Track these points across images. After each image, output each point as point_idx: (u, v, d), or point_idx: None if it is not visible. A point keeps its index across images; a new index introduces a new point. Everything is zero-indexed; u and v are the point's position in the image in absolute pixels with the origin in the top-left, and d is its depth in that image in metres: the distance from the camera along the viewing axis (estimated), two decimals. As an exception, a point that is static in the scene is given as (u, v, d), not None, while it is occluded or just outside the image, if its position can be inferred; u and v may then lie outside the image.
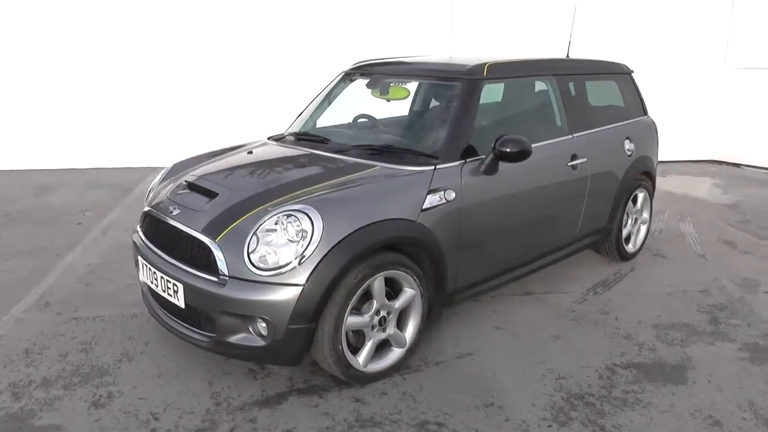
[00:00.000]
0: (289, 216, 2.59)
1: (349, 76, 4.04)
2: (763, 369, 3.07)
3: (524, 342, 3.29)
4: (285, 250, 2.54)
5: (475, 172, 3.11)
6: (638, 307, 3.74)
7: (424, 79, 3.66)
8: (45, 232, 4.99)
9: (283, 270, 2.52)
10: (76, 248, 4.64)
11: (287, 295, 2.51)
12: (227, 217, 2.70)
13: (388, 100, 3.75)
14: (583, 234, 4.02)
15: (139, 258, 3.05)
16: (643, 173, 4.38)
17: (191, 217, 2.80)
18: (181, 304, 2.73)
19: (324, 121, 4.00)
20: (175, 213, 2.88)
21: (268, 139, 3.86)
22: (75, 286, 3.97)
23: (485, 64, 3.39)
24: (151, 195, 3.36)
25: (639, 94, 4.58)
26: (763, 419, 2.67)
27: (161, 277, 2.83)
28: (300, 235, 2.55)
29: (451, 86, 3.40)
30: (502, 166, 3.15)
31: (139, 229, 3.23)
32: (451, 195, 2.98)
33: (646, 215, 4.57)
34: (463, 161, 3.10)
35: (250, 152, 3.49)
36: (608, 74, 4.38)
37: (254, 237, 2.58)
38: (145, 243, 3.07)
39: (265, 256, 2.55)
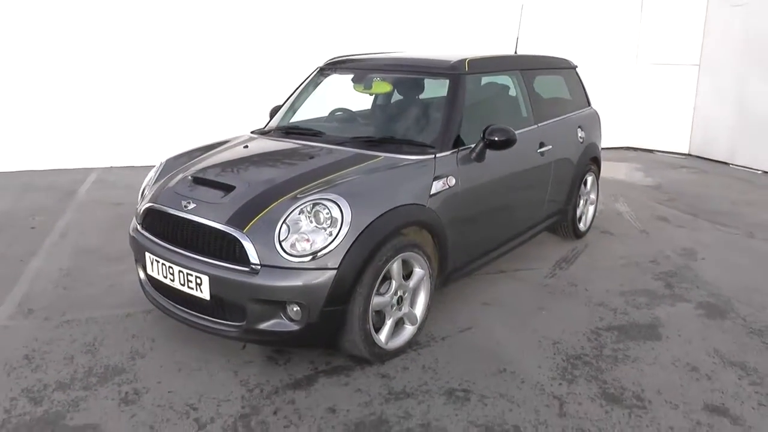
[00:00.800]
0: (317, 204, 2.71)
1: (323, 72, 4.17)
2: (717, 322, 3.54)
3: (514, 314, 3.58)
4: (317, 237, 2.66)
5: (466, 159, 3.36)
6: (602, 278, 4.15)
7: (407, 74, 3.86)
8: (-2, 239, 4.74)
9: (316, 255, 2.64)
10: (39, 253, 4.44)
11: (322, 279, 2.63)
12: (252, 208, 2.77)
13: (371, 94, 3.92)
14: (547, 215, 4.39)
15: (147, 254, 3.04)
16: (591, 159, 4.82)
17: (210, 211, 2.84)
18: (206, 296, 2.78)
19: (301, 115, 4.10)
20: (190, 207, 2.90)
21: (252, 133, 3.92)
22: (53, 290, 3.84)
23: (465, 59, 3.65)
24: (147, 191, 3.35)
25: (583, 87, 5.02)
26: (728, 362, 3.11)
27: (179, 272, 2.85)
28: (330, 222, 2.68)
29: (437, 81, 3.63)
30: (488, 153, 3.42)
31: (139, 225, 3.21)
32: (452, 181, 3.21)
33: (593, 196, 5.02)
34: (456, 150, 3.34)
35: (246, 146, 3.55)
36: (558, 69, 4.78)
37: (284, 225, 2.68)
38: (151, 239, 3.06)
39: (296, 243, 2.65)
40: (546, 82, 4.48)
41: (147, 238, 3.10)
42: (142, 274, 3.27)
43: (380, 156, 3.19)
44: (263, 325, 2.73)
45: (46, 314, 3.52)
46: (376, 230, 2.75)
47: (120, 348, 3.15)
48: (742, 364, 3.09)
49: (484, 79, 3.93)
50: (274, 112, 4.25)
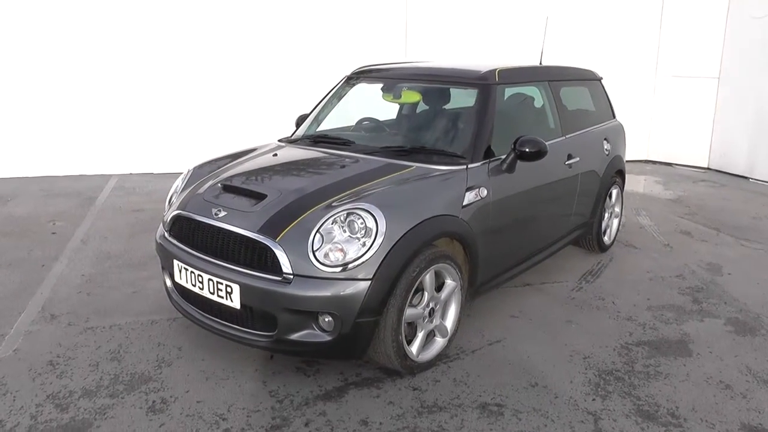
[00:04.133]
0: (351, 214, 2.68)
1: (351, 81, 4.16)
2: (748, 339, 3.48)
3: (542, 328, 3.53)
4: (350, 247, 2.63)
5: (497, 170, 3.32)
6: (628, 292, 4.09)
7: (437, 84, 3.83)
8: (20, 244, 4.72)
9: (350, 266, 2.60)
10: (61, 259, 4.43)
11: (356, 289, 2.60)
12: (284, 217, 2.74)
13: (400, 104, 3.90)
14: (573, 227, 4.34)
15: (175, 262, 3.01)
16: (617, 171, 4.78)
17: (241, 219, 2.81)
18: (236, 305, 2.75)
19: (329, 123, 4.09)
20: (221, 215, 2.88)
21: (280, 141, 3.91)
22: (75, 296, 3.82)
23: (496, 69, 3.62)
24: (175, 199, 3.33)
25: (608, 99, 4.98)
26: (762, 380, 3.05)
27: (209, 280, 2.82)
28: (364, 232, 2.64)
29: (467, 91, 3.60)
30: (518, 164, 3.39)
31: (166, 233, 3.19)
32: (484, 192, 3.18)
33: (618, 209, 4.97)
34: (487, 161, 3.30)
35: (275, 154, 3.53)
36: (584, 80, 4.74)
37: (317, 235, 2.65)
38: (180, 246, 3.04)
39: (330, 253, 2.62)
40: (572, 93, 4.45)
41: (175, 245, 3.08)
42: (168, 282, 3.25)
43: (412, 166, 3.17)
44: (294, 336, 2.69)
45: (70, 320, 3.50)
46: (410, 241, 2.72)
47: (146, 356, 3.12)
48: (777, 383, 3.03)
49: (514, 90, 3.90)
50: (300, 120, 4.24)
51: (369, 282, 2.61)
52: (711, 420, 2.71)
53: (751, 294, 4.11)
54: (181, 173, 3.62)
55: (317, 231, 2.66)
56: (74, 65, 6.88)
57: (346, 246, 2.63)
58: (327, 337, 2.67)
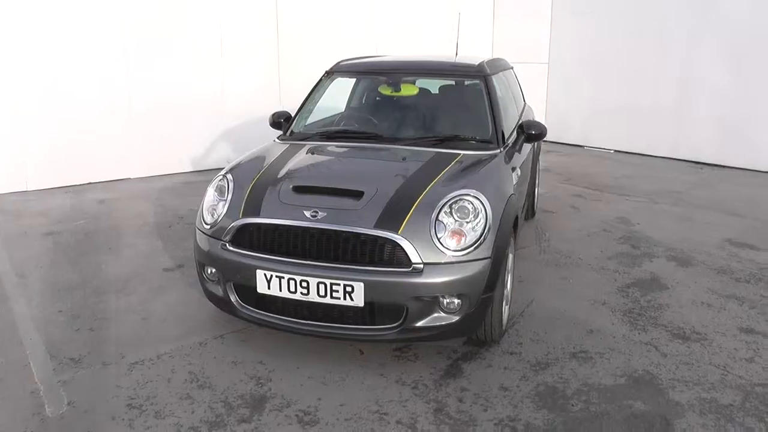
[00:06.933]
0: (460, 199, 2.86)
1: (330, 75, 4.19)
2: (690, 269, 4.36)
3: (550, 286, 4.03)
4: (468, 230, 2.82)
5: (512, 151, 3.73)
6: (581, 248, 4.80)
7: (434, 78, 4.08)
8: (-61, 290, 3.84)
9: (472, 248, 2.79)
10: (12, 298, 3.74)
11: (480, 269, 2.80)
12: (397, 211, 2.81)
13: (399, 97, 4.07)
14: (527, 196, 4.93)
15: (261, 272, 2.85)
16: (539, 146, 5.50)
17: (350, 217, 2.81)
18: (359, 303, 2.75)
19: (319, 117, 4.11)
20: (320, 216, 2.83)
21: (279, 139, 3.84)
22: (76, 334, 3.33)
23: (483, 61, 4.02)
24: (222, 208, 3.10)
25: (519, 85, 5.66)
26: (723, 295, 3.92)
27: (319, 284, 2.77)
28: (475, 215, 2.85)
29: (469, 82, 3.94)
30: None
31: (228, 244, 2.98)
32: (519, 171, 3.56)
33: (538, 180, 5.71)
34: (507, 143, 3.69)
35: (311, 152, 3.48)
36: (507, 69, 5.34)
37: (438, 222, 2.79)
38: (261, 256, 2.89)
39: (450, 238, 2.78)
40: (508, 81, 5.01)
41: (252, 255, 2.91)
42: (233, 297, 3.04)
43: (459, 153, 3.41)
44: (421, 323, 2.80)
45: (101, 360, 3.07)
46: (507, 219, 3.00)
47: (234, 376, 2.92)
48: (733, 296, 3.90)
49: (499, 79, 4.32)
50: (278, 117, 4.10)
51: (489, 260, 2.83)
52: (720, 330, 3.45)
53: (664, 236, 5.08)
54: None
55: (436, 219, 2.79)
56: None
57: (465, 229, 2.81)
58: (454, 318, 2.82)
